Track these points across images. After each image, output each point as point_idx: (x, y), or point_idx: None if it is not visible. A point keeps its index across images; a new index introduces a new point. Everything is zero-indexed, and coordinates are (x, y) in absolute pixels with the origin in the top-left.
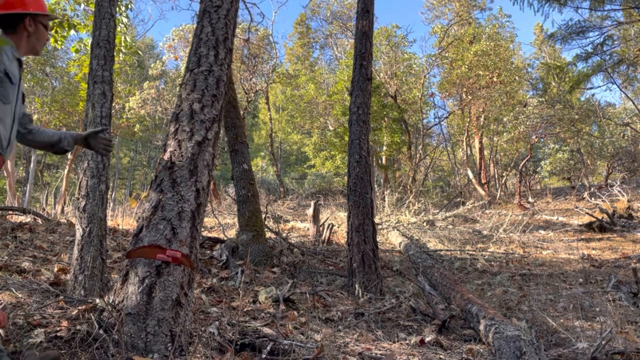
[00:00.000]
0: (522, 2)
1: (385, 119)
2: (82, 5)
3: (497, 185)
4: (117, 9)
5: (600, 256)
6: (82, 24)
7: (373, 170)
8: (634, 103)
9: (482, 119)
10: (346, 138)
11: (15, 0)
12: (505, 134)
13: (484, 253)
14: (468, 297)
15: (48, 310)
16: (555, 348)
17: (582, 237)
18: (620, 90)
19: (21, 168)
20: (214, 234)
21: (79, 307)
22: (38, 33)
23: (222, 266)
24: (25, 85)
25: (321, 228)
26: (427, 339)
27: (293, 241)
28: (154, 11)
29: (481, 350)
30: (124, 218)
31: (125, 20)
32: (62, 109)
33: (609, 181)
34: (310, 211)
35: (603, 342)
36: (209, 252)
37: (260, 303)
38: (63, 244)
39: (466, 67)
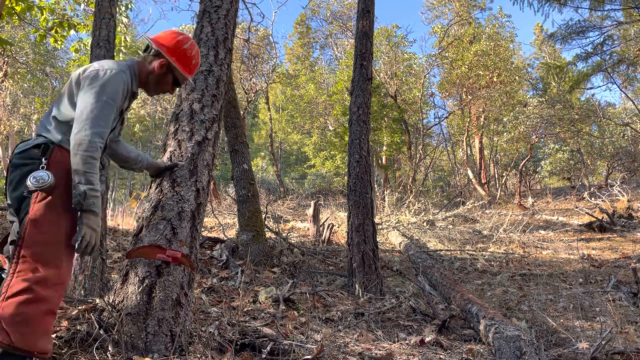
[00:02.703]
0: (522, 2)
1: (385, 119)
2: (82, 5)
3: (497, 185)
4: (117, 9)
5: (600, 256)
6: (82, 24)
7: (373, 170)
8: (634, 103)
9: (482, 119)
10: (346, 138)
11: (170, 41)
12: (505, 134)
13: (484, 253)
14: (468, 297)
15: None
16: (555, 348)
17: (582, 237)
18: (620, 90)
19: None
20: (214, 234)
21: (79, 307)
22: (161, 79)
23: (222, 266)
24: (25, 85)
25: (321, 228)
26: (427, 339)
27: (293, 241)
28: (154, 11)
29: (481, 350)
30: (124, 218)
31: (125, 20)
32: None
33: (609, 181)
34: (310, 211)
35: (603, 342)
36: (209, 252)
37: (260, 303)
38: None
39: (466, 67)
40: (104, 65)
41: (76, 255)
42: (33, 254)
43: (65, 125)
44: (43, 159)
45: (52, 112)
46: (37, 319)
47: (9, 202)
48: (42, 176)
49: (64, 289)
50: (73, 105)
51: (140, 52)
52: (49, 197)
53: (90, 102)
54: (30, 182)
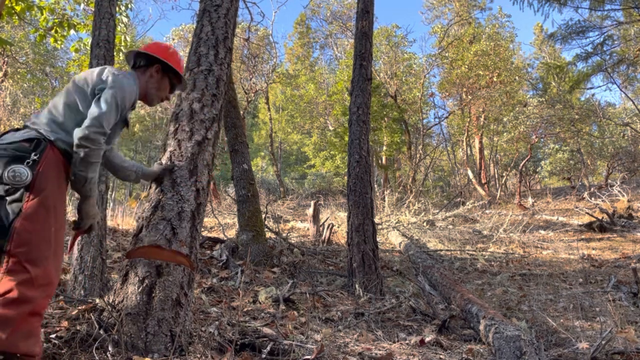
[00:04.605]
0: (522, 2)
1: (385, 119)
2: (82, 5)
3: (497, 185)
4: (117, 8)
5: (600, 256)
6: (82, 23)
7: (373, 170)
8: (634, 103)
9: (482, 119)
10: (346, 138)
11: (159, 48)
12: (505, 134)
13: (484, 253)
14: (468, 297)
15: (48, 310)
16: (555, 348)
17: (582, 237)
18: (620, 90)
19: None
20: (214, 234)
21: (79, 307)
22: (160, 84)
23: (222, 266)
24: (25, 85)
25: (321, 228)
26: (427, 339)
27: (293, 241)
28: (154, 11)
29: (481, 350)
30: (124, 218)
31: (125, 20)
32: None
33: (609, 181)
34: (310, 211)
35: (603, 342)
36: (209, 252)
37: (260, 303)
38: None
39: (466, 67)
40: (119, 73)
41: (76, 255)
42: (23, 253)
43: (63, 125)
44: (32, 155)
45: (52, 112)
46: (19, 320)
47: None
48: (21, 173)
49: (51, 290)
50: (77, 106)
51: (128, 68)
52: (41, 196)
53: (105, 103)
54: (7, 175)
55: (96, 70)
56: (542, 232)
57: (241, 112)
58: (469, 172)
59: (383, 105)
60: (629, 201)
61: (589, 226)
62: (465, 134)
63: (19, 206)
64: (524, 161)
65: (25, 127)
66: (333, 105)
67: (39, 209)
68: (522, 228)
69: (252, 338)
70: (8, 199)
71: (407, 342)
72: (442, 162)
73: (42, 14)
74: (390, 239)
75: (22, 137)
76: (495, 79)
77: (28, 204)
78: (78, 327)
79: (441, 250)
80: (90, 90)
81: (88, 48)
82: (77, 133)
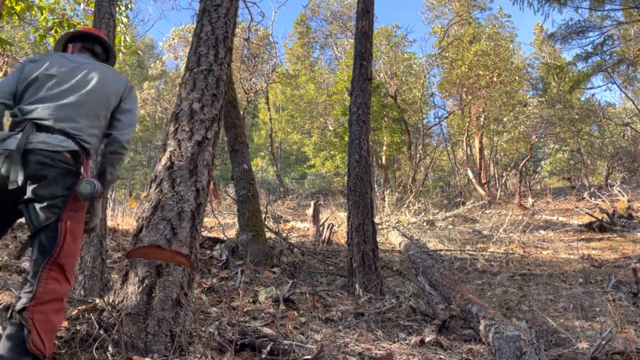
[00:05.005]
0: (522, 2)
1: (385, 119)
2: (82, 5)
3: (497, 185)
4: (117, 8)
5: (600, 256)
6: (82, 23)
7: (373, 170)
8: (634, 103)
9: (482, 119)
10: (346, 138)
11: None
12: (505, 134)
13: (484, 253)
14: (468, 297)
15: None
16: (555, 348)
17: (582, 237)
18: (620, 90)
19: None
20: (214, 234)
21: (79, 307)
22: None
23: (222, 266)
24: None
25: (321, 228)
26: (427, 339)
27: (293, 241)
28: (154, 11)
29: (481, 350)
30: (124, 218)
31: (125, 20)
32: None
33: (609, 181)
34: (310, 211)
35: (603, 342)
36: (209, 252)
37: (260, 303)
38: None
39: (466, 67)
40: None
41: None
42: (67, 264)
43: (98, 132)
44: (81, 168)
45: (91, 117)
46: (57, 328)
47: (32, 196)
48: (97, 186)
49: None
50: (109, 111)
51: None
52: (82, 210)
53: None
54: (86, 189)
55: (115, 75)
56: (542, 232)
57: (241, 112)
58: (469, 172)
59: (383, 105)
60: (629, 201)
61: (589, 226)
62: (465, 134)
63: (58, 213)
64: (524, 161)
65: (56, 129)
66: (333, 105)
67: (79, 224)
68: (522, 228)
69: (252, 338)
70: (46, 203)
71: (407, 342)
72: (442, 162)
73: (42, 14)
74: (390, 239)
75: (64, 147)
76: (495, 79)
77: (72, 215)
78: (78, 327)
79: (441, 250)
80: (121, 97)
81: None
82: (123, 136)
